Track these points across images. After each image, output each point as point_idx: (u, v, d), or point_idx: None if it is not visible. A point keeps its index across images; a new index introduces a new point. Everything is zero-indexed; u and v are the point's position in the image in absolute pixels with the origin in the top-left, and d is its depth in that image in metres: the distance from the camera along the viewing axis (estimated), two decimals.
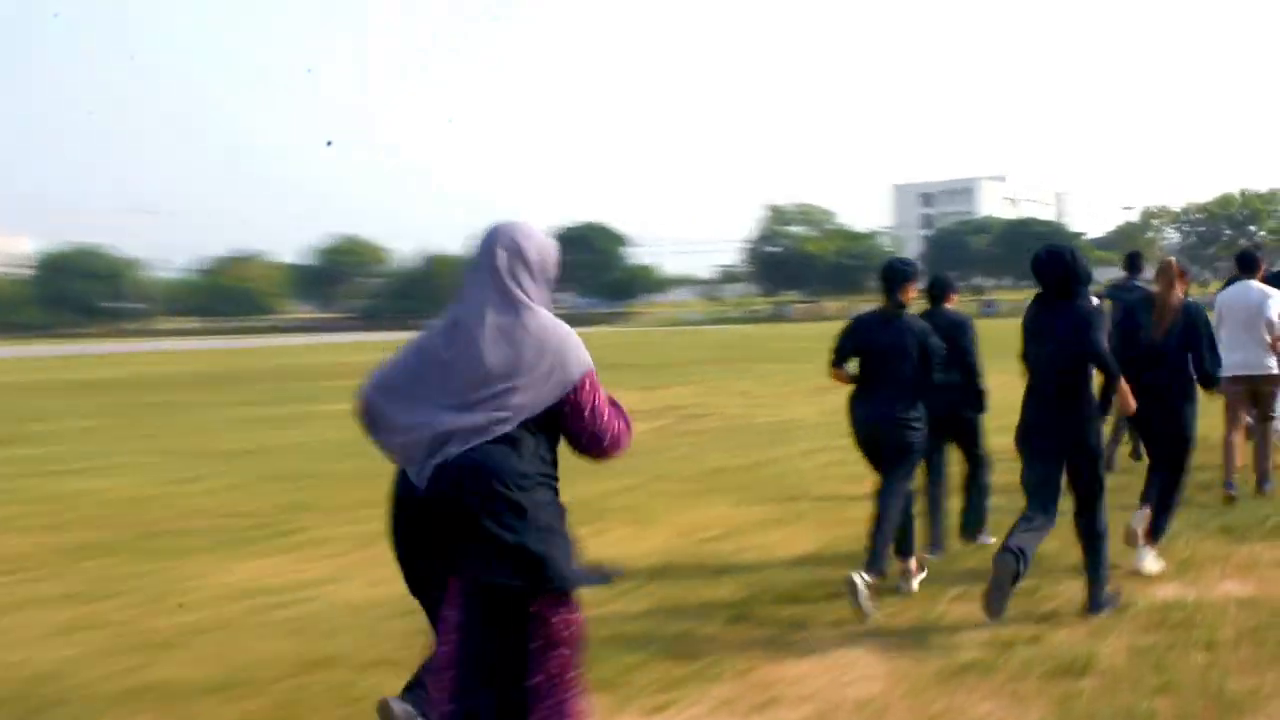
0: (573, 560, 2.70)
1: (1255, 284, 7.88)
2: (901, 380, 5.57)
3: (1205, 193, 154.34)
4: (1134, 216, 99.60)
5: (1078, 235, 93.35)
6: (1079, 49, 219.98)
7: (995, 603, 4.79)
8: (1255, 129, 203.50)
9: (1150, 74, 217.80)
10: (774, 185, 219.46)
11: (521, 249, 2.77)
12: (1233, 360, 7.10)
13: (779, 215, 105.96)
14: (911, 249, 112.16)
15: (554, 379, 2.69)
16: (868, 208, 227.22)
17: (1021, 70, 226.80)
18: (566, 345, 2.73)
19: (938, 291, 6.46)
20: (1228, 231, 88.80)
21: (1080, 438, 5.05)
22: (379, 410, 2.74)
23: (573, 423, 2.75)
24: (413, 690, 3.15)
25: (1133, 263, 9.22)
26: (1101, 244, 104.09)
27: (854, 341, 5.74)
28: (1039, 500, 5.05)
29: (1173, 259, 6.16)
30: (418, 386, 2.70)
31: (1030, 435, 5.16)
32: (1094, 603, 5.04)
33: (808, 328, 57.78)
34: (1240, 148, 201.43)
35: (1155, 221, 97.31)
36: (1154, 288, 6.22)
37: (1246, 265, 7.96)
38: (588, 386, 2.75)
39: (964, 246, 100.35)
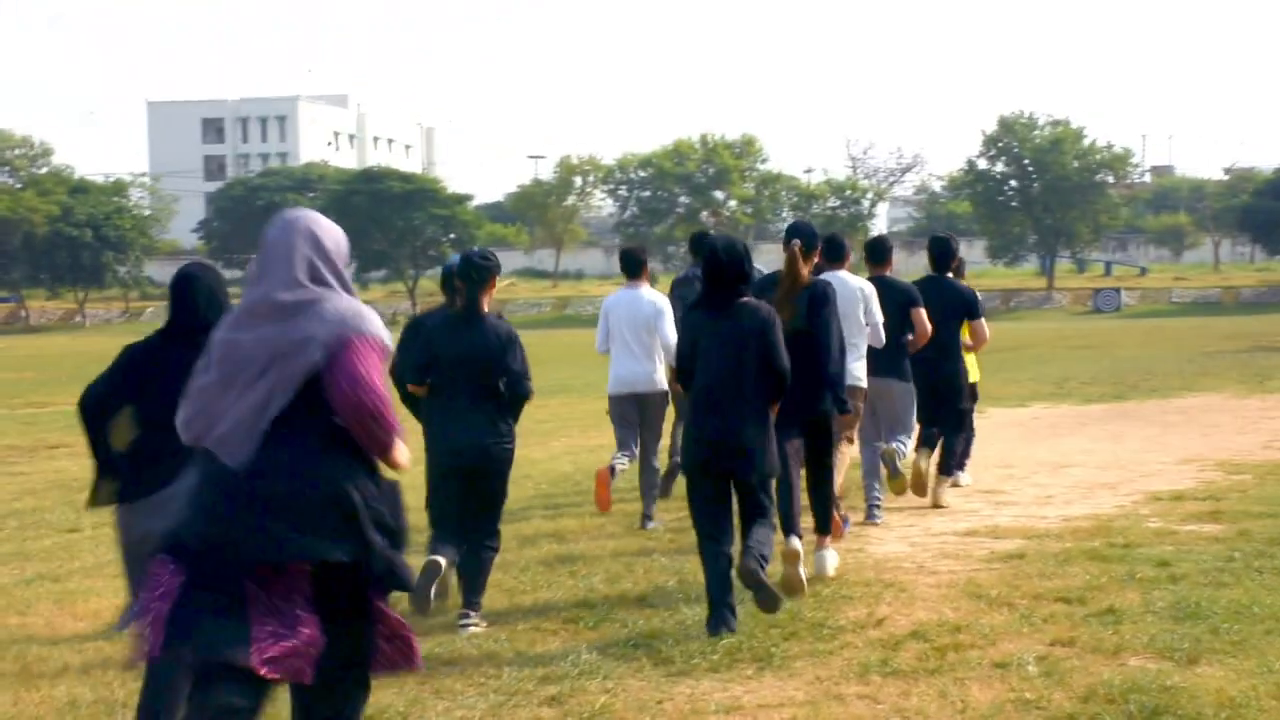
0: None
1: (845, 275, 10.71)
2: (490, 394, 8.32)
3: (653, 140, 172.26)
4: (546, 171, 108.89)
5: (463, 198, 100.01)
6: None
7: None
8: (724, 53, 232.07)
9: None
10: None
11: (313, 229, 5.19)
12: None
13: None
14: (189, 211, 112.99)
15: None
16: (112, 137, 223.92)
17: None
18: (354, 315, 5.12)
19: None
20: (683, 199, 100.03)
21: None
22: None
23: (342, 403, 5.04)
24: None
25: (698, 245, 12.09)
26: (499, 213, 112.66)
27: (428, 351, 8.39)
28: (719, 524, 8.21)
29: (795, 241, 9.14)
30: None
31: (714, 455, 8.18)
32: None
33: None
34: (703, 78, 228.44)
35: (579, 179, 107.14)
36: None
37: (833, 252, 10.75)
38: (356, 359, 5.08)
39: (273, 211, 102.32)
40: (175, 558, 4.88)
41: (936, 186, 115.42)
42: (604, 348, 11.79)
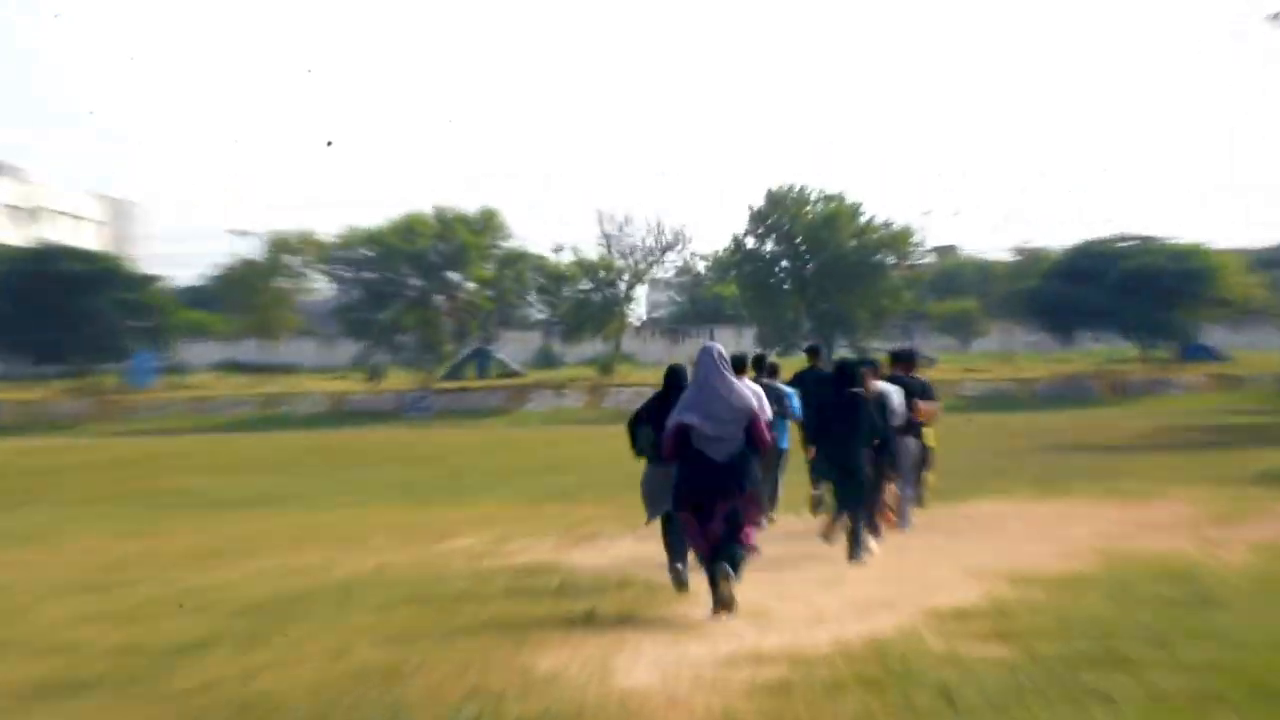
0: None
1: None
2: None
3: (380, 215, 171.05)
4: (256, 250, 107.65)
5: (153, 279, 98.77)
6: None
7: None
8: (460, 116, 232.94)
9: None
10: None
11: (722, 352, 14.78)
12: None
13: None
14: None
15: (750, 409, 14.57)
16: None
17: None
18: (752, 396, 14.81)
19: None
20: (414, 281, 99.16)
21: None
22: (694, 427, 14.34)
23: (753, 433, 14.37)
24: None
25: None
26: (200, 298, 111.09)
27: None
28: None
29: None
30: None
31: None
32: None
33: None
34: (438, 146, 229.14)
35: (292, 258, 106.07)
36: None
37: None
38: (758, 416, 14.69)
39: None
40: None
41: (701, 267, 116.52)
42: None
